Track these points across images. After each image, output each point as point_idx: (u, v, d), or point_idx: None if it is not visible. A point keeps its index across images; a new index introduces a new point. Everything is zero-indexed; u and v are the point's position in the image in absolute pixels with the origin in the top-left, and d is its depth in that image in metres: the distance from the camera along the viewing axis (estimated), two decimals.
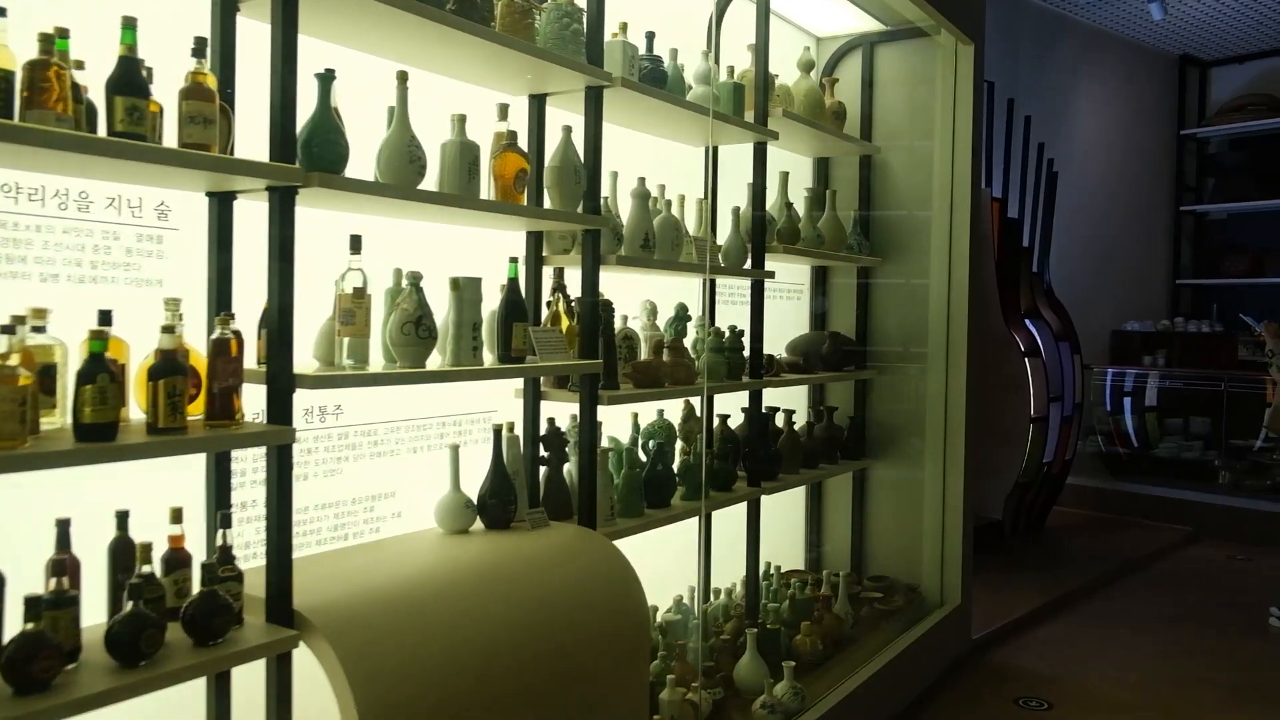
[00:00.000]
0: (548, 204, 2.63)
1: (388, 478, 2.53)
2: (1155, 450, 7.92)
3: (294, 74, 1.85)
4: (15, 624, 1.53)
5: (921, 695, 4.03)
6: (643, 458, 3.11)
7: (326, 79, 1.99)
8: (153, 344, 1.74)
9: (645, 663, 2.57)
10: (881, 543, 4.49)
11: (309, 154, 1.92)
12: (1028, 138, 6.86)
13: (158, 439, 1.67)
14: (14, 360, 1.52)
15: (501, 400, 2.81)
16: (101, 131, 1.68)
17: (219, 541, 1.86)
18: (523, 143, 2.59)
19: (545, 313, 2.74)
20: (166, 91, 1.75)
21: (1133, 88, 8.85)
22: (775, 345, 4.01)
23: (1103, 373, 8.21)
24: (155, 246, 1.99)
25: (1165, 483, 7.61)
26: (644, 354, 3.14)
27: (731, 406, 3.57)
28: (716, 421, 3.50)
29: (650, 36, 2.97)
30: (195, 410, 1.84)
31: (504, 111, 2.50)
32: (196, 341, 1.89)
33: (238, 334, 1.85)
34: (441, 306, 2.32)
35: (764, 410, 3.59)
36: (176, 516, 1.85)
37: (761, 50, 3.38)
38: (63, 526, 1.69)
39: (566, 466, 2.81)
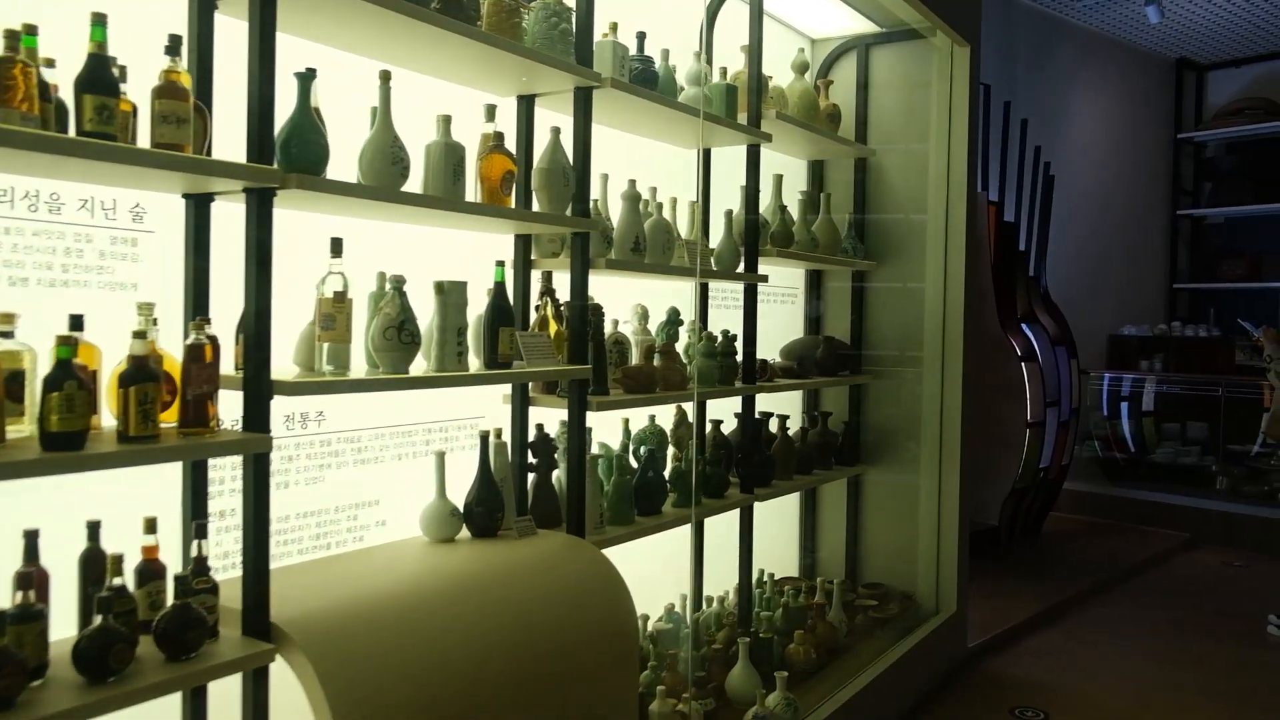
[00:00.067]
0: (536, 207, 2.59)
1: (372, 485, 2.49)
2: (1152, 455, 7.89)
3: (272, 73, 1.80)
4: None
5: (916, 705, 3.98)
6: (634, 464, 3.06)
7: (306, 78, 1.94)
8: (126, 350, 1.69)
9: (634, 673, 2.53)
10: (876, 549, 4.44)
11: (287, 155, 1.87)
12: (1024, 141, 6.82)
13: (128, 448, 1.62)
14: None
15: (489, 406, 2.76)
16: (72, 131, 1.64)
17: (194, 552, 1.82)
18: (511, 144, 2.55)
19: (533, 317, 2.70)
20: (145, 91, 1.70)
21: (1129, 91, 8.83)
22: (769, 350, 3.96)
23: (1100, 377, 8.17)
24: (130, 249, 1.94)
25: (1162, 488, 7.57)
26: (635, 359, 3.09)
27: (724, 412, 3.52)
28: (709, 427, 3.45)
29: (641, 37, 2.92)
30: (170, 417, 1.79)
31: (491, 112, 2.45)
32: (173, 347, 1.84)
33: (213, 339, 1.80)
34: (428, 311, 2.27)
35: (757, 416, 3.54)
36: (150, 526, 1.80)
37: (755, 51, 3.34)
38: (30, 538, 1.65)
39: (555, 473, 2.76)
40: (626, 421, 3.14)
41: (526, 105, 2.67)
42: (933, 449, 4.35)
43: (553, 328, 2.64)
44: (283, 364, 2.09)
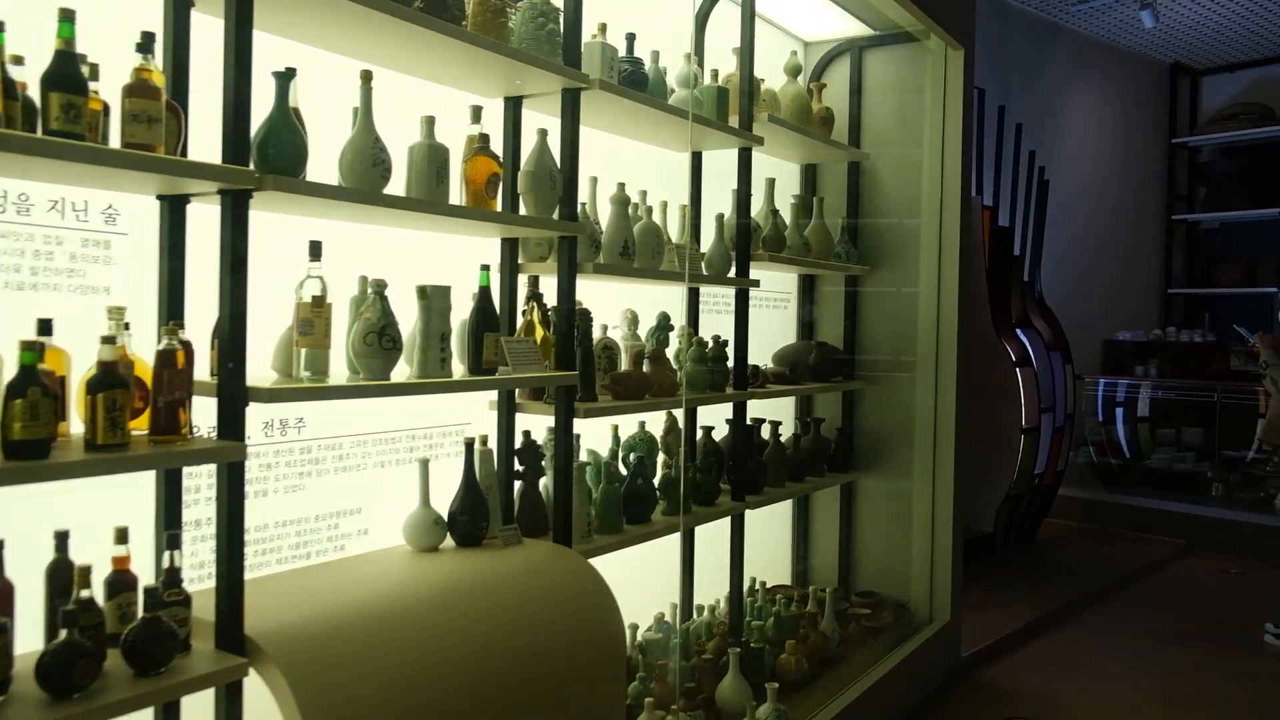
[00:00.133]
0: (522, 210, 2.54)
1: (353, 493, 2.44)
2: (1147, 461, 7.86)
3: (248, 71, 1.76)
4: None
5: (910, 716, 3.93)
6: (623, 471, 3.02)
7: (285, 78, 1.90)
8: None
9: (621, 685, 2.48)
10: (870, 557, 4.40)
11: (264, 156, 1.83)
12: (1019, 145, 6.80)
13: (95, 457, 1.57)
14: None
15: (475, 413, 2.71)
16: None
17: (166, 564, 1.77)
18: (498, 147, 2.51)
19: (520, 322, 2.65)
20: (119, 90, 1.65)
21: (1124, 96, 8.81)
22: (761, 355, 3.92)
23: (1094, 383, 8.15)
24: (102, 252, 1.89)
25: (1157, 494, 7.54)
26: (624, 365, 3.05)
27: (716, 418, 3.48)
28: (700, 434, 3.41)
29: (631, 38, 2.88)
30: (142, 425, 1.74)
31: (477, 114, 2.41)
32: (148, 352, 1.79)
33: (187, 344, 1.75)
34: (412, 316, 2.22)
35: (749, 422, 3.50)
36: (121, 536, 1.75)
37: (746, 53, 3.30)
38: None
39: (542, 481, 2.71)
40: (616, 428, 3.10)
41: (514, 107, 2.63)
42: (926, 455, 4.30)
43: (539, 333, 2.59)
44: (262, 370, 2.05)
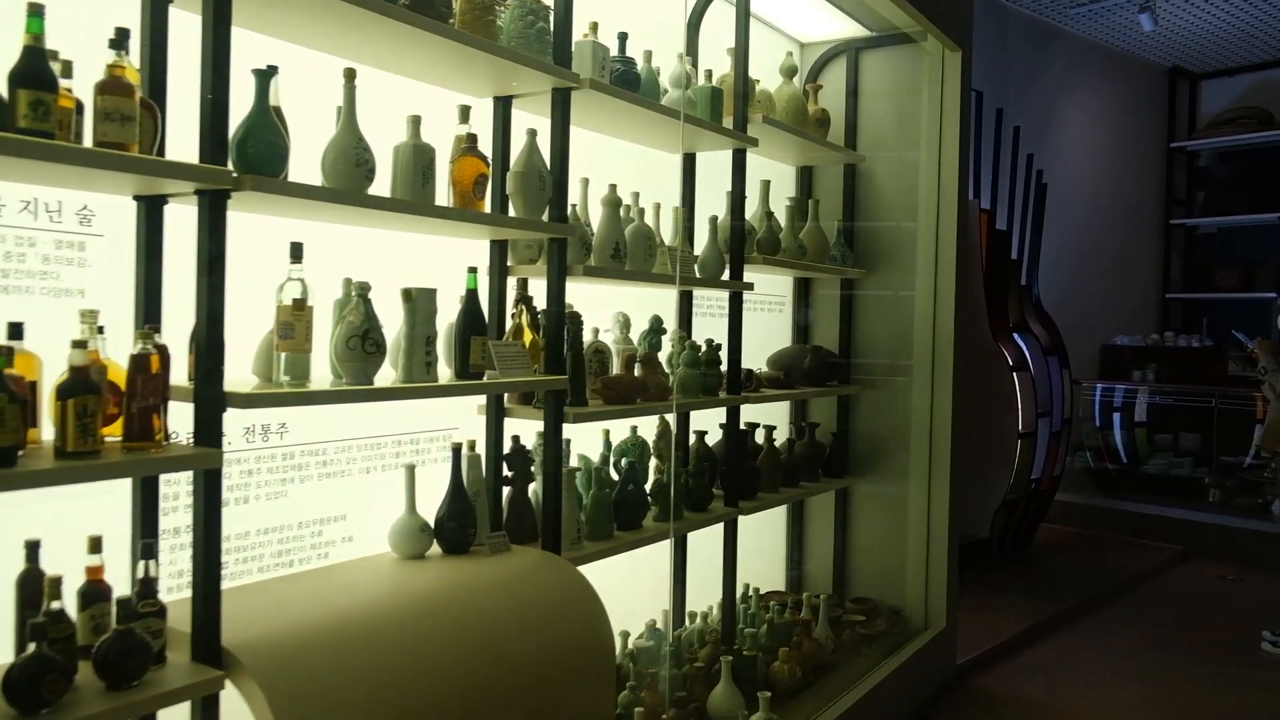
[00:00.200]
0: (512, 211, 2.50)
1: (338, 500, 2.39)
2: (1145, 467, 7.82)
3: (226, 68, 1.71)
4: None
5: None
6: (615, 477, 2.97)
7: (265, 75, 1.86)
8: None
9: (611, 694, 2.43)
10: (864, 563, 4.36)
11: (243, 155, 1.78)
12: (1016, 148, 6.76)
13: (64, 465, 1.52)
14: None
15: (464, 418, 2.67)
16: None
17: (140, 574, 1.72)
18: (487, 147, 2.47)
19: (509, 325, 2.61)
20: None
21: (1122, 99, 8.78)
22: (756, 359, 3.88)
23: (1092, 387, 8.11)
24: (76, 254, 1.84)
25: (1155, 500, 7.50)
26: (616, 368, 3.01)
27: (709, 423, 3.44)
28: (693, 438, 3.37)
29: (623, 37, 2.84)
30: (117, 431, 1.70)
31: (465, 114, 2.36)
32: (124, 357, 1.74)
33: (162, 348, 1.71)
34: (397, 319, 2.18)
35: (742, 426, 3.45)
36: (95, 546, 1.71)
37: (741, 54, 3.26)
38: None
39: (532, 487, 2.67)
40: (607, 433, 3.06)
41: (503, 107, 2.59)
42: (922, 460, 4.26)
43: (528, 336, 2.55)
44: (243, 375, 2.01)
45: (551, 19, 2.47)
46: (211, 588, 1.75)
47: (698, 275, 3.22)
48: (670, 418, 3.26)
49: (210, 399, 1.73)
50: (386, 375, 2.15)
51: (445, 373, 2.32)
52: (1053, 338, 6.88)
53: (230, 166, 1.74)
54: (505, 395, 2.61)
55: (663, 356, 3.13)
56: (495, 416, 2.61)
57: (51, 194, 1.80)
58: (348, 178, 1.96)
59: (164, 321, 1.84)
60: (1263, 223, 8.71)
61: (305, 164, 2.01)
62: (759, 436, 3.71)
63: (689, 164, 3.38)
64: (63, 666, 1.53)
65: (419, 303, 2.15)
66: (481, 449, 2.57)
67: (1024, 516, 6.73)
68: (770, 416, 3.95)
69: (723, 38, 3.40)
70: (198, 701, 1.75)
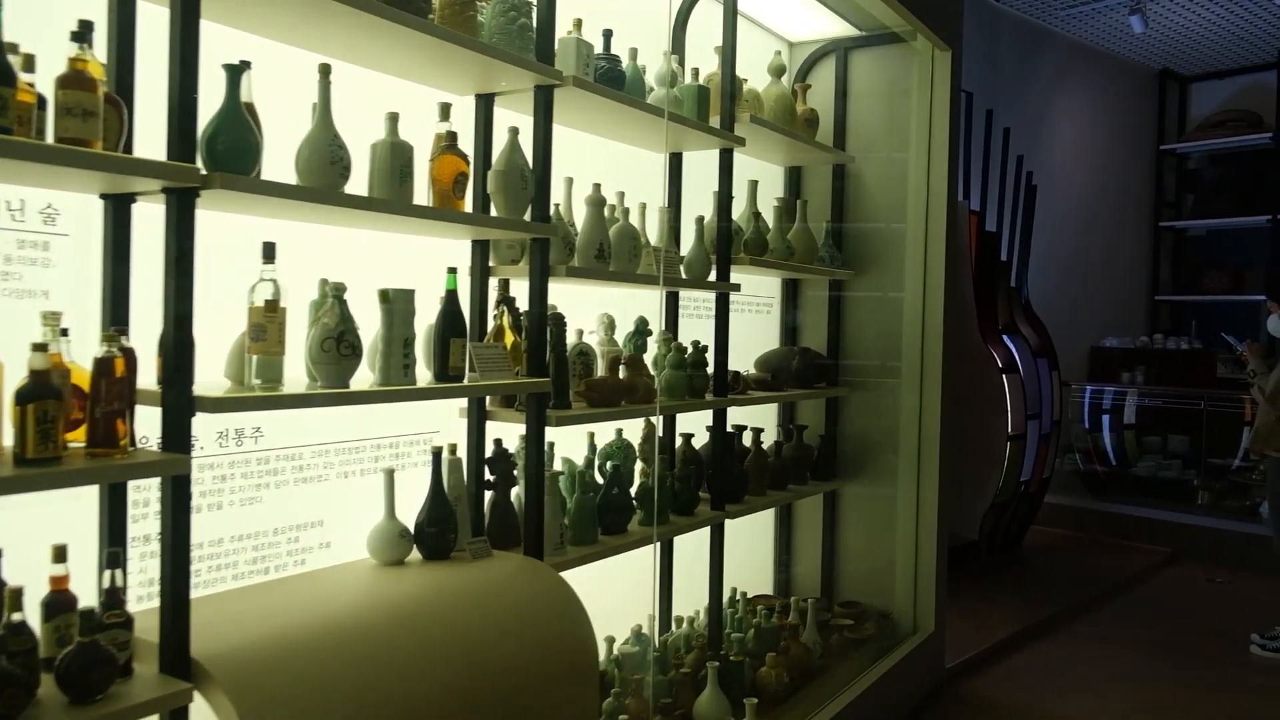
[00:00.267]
0: (493, 211, 2.45)
1: (315, 505, 2.34)
2: (1134, 469, 7.81)
3: (195, 62, 1.66)
4: None
5: None
6: (600, 480, 2.93)
7: (236, 70, 1.81)
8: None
9: (594, 701, 2.39)
10: (853, 566, 4.32)
11: (212, 152, 1.73)
12: (1006, 150, 6.74)
13: (22, 472, 1.47)
14: None
15: (445, 421, 2.62)
16: None
17: (106, 583, 1.67)
18: (468, 145, 2.42)
19: (491, 327, 2.56)
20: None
21: (1112, 102, 8.78)
22: (744, 361, 3.84)
23: (1081, 389, 8.10)
24: (40, 254, 1.79)
25: (1143, 502, 7.49)
26: (601, 370, 2.96)
27: (696, 425, 3.39)
28: (680, 441, 3.33)
29: (608, 35, 2.80)
30: (82, 437, 1.65)
31: (445, 111, 2.32)
32: (90, 360, 1.69)
33: (128, 351, 1.66)
34: (376, 321, 2.13)
35: (729, 429, 3.41)
36: (59, 555, 1.66)
37: (728, 52, 3.22)
38: None
39: (515, 491, 2.63)
40: (592, 436, 3.01)
41: (485, 105, 2.54)
42: (911, 462, 4.23)
43: (509, 338, 2.50)
44: (215, 378, 1.96)
45: (534, 15, 2.42)
46: (180, 597, 1.70)
47: (684, 276, 3.18)
48: (657, 420, 3.22)
49: (178, 403, 1.68)
50: (364, 378, 2.10)
51: (424, 375, 2.27)
52: (1042, 339, 6.87)
53: (199, 164, 1.69)
54: (487, 398, 2.56)
55: (649, 359, 3.09)
56: (477, 420, 2.57)
57: (14, 192, 1.74)
58: (322, 176, 1.91)
59: (133, 324, 1.79)
60: (1252, 226, 8.72)
61: (282, 163, 1.97)
62: (746, 439, 3.67)
63: (675, 164, 3.34)
64: (23, 681, 1.48)
65: (396, 304, 2.11)
66: (463, 453, 2.52)
67: (1013, 519, 6.71)
68: (758, 419, 3.91)
69: (710, 36, 3.36)
70: (165, 715, 1.70)
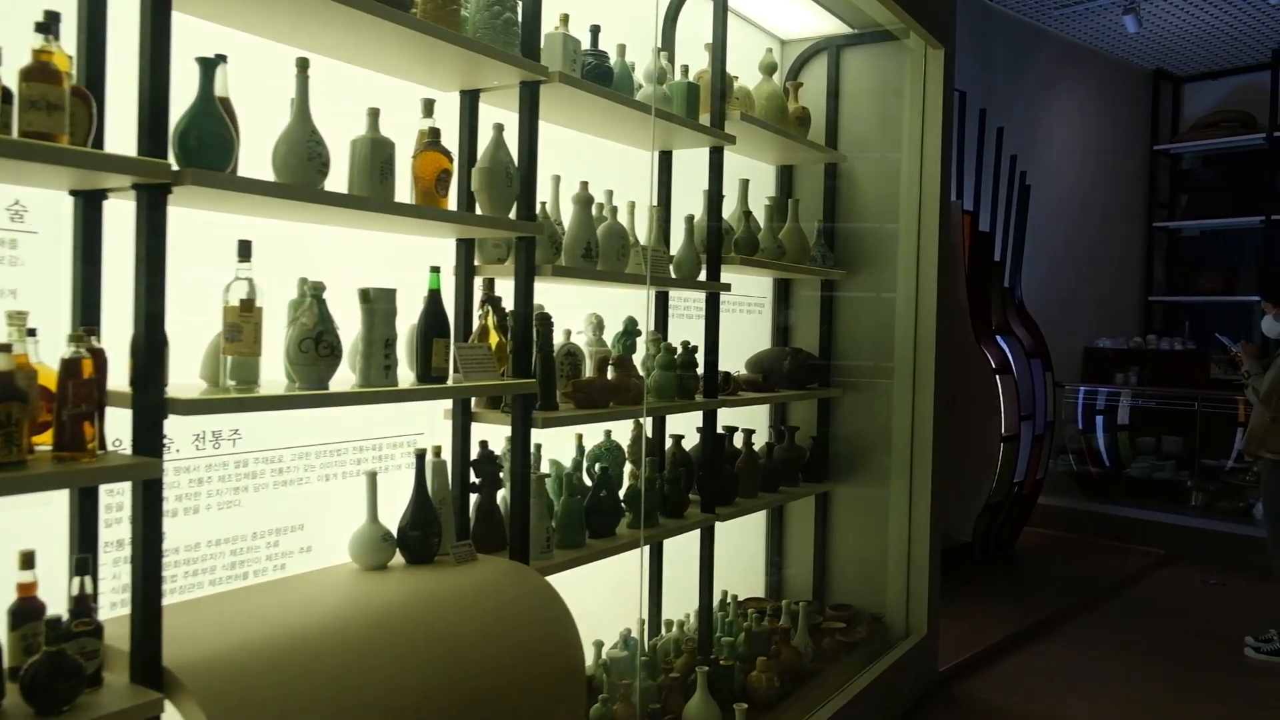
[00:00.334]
0: (478, 209, 2.41)
1: (295, 509, 2.30)
2: (1127, 470, 7.79)
3: (166, 54, 1.62)
4: None
5: None
6: (588, 483, 2.89)
7: (210, 64, 1.76)
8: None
9: (580, 707, 2.35)
10: (845, 569, 4.28)
11: (185, 148, 1.69)
12: (1000, 150, 6.72)
13: None
14: None
15: (430, 422, 2.58)
16: None
17: (75, 590, 1.63)
18: (452, 142, 2.38)
19: (475, 327, 2.52)
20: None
21: (1106, 102, 8.76)
22: (734, 361, 3.80)
23: (1074, 390, 8.08)
24: (8, 252, 1.74)
25: (1137, 503, 7.47)
26: (589, 371, 2.92)
27: (686, 426, 3.36)
28: (669, 443, 3.28)
29: (595, 30, 2.76)
30: (50, 440, 1.60)
31: (429, 107, 2.27)
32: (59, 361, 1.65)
33: (97, 352, 1.62)
34: (357, 321, 2.09)
35: (720, 430, 3.37)
36: (27, 561, 1.61)
37: (718, 49, 3.18)
38: None
39: (501, 494, 2.58)
40: (580, 437, 2.97)
41: (470, 101, 2.50)
42: (903, 464, 4.20)
43: (494, 338, 2.46)
44: (191, 379, 1.92)
45: (520, 10, 2.38)
46: (152, 604, 1.66)
47: (673, 276, 3.14)
48: (646, 422, 3.18)
49: (149, 405, 1.63)
50: (345, 379, 2.06)
51: (406, 376, 2.23)
52: (1035, 340, 6.84)
53: (171, 160, 1.65)
54: (473, 400, 2.52)
55: (638, 359, 3.05)
56: (462, 421, 2.53)
57: None
58: (299, 172, 1.87)
59: (105, 324, 1.74)
60: (1245, 226, 8.71)
61: (261, 159, 1.92)
62: (737, 440, 3.63)
63: (664, 162, 3.30)
64: None
65: (377, 303, 2.06)
66: (448, 455, 2.48)
67: (1006, 520, 6.68)
68: (749, 420, 3.87)
69: (700, 33, 3.32)
70: None
